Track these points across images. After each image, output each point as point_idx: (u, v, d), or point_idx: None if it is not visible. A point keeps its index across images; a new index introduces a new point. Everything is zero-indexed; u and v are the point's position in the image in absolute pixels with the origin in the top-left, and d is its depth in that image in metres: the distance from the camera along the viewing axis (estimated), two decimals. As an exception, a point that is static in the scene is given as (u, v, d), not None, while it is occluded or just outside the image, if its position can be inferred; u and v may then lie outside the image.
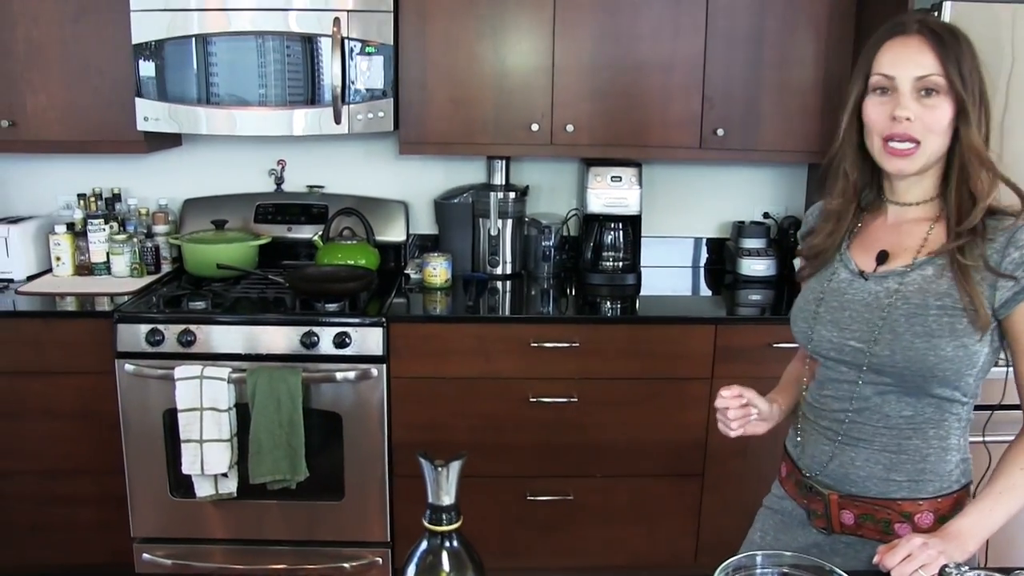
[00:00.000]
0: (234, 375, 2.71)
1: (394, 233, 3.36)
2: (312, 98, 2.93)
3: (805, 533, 1.64)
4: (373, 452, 2.86)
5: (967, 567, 1.17)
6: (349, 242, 3.22)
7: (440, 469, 0.97)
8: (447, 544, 0.99)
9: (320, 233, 3.25)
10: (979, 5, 2.64)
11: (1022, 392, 1.51)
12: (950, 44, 1.42)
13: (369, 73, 2.92)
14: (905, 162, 1.46)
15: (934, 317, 1.45)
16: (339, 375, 2.76)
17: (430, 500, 0.99)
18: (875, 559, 1.36)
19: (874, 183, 1.59)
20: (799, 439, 1.68)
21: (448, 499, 0.98)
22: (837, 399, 1.59)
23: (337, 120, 2.91)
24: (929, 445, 1.52)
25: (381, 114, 2.96)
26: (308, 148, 3.38)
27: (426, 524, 1.00)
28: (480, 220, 3.29)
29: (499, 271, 3.33)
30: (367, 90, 2.93)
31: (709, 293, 3.40)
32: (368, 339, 2.78)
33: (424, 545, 1.00)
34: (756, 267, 3.34)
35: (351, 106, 2.92)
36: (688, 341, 2.88)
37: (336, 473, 2.86)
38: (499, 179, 3.33)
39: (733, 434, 1.62)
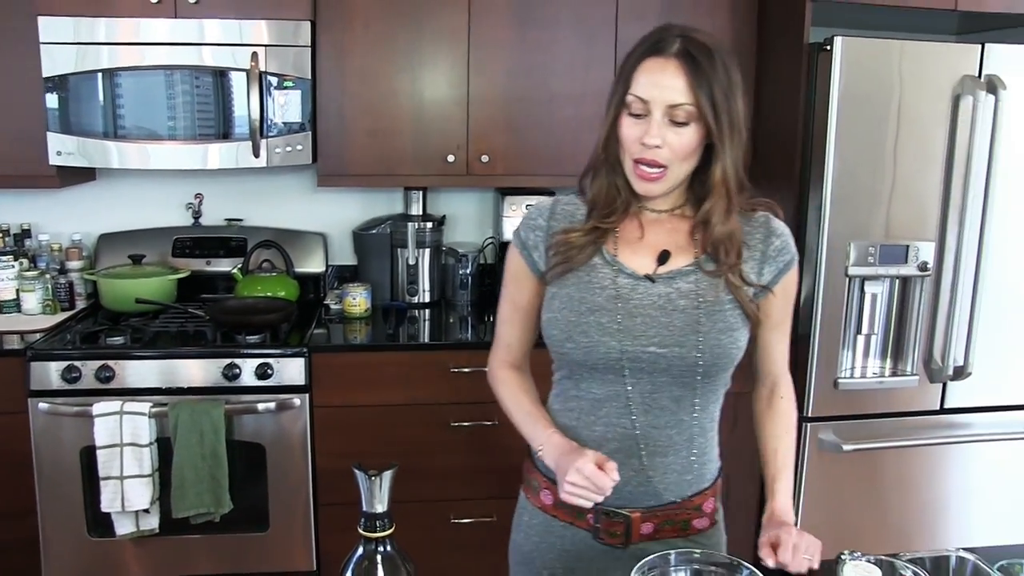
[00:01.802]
0: (155, 409, 2.70)
1: (313, 264, 3.39)
2: (225, 132, 2.95)
3: (590, 550, 1.60)
4: (297, 481, 2.87)
5: (859, 553, 1.26)
6: (269, 274, 3.25)
7: (373, 479, 1.02)
8: (381, 549, 1.05)
9: (239, 266, 3.26)
10: (869, 41, 2.81)
11: (762, 359, 1.67)
12: (706, 69, 1.43)
13: (287, 107, 2.95)
14: (652, 185, 1.49)
15: (729, 311, 1.52)
16: (261, 406, 2.77)
17: (364, 508, 1.05)
18: (768, 562, 1.43)
19: (627, 193, 1.56)
20: None
21: (381, 507, 1.04)
22: (628, 414, 1.54)
23: (256, 154, 2.94)
24: (708, 438, 1.61)
25: (299, 147, 3.00)
26: (226, 182, 3.40)
27: (361, 531, 1.05)
28: (398, 250, 3.35)
29: (418, 300, 3.38)
30: (284, 124, 2.97)
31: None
32: (290, 369, 2.80)
33: (360, 551, 1.05)
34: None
35: (269, 139, 2.96)
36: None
37: (260, 504, 2.86)
38: (417, 209, 3.40)
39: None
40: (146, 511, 2.74)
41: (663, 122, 1.44)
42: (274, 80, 2.92)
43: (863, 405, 3.03)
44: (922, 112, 2.86)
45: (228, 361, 2.77)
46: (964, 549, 1.50)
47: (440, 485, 2.97)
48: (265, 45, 2.89)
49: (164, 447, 2.73)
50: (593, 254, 1.55)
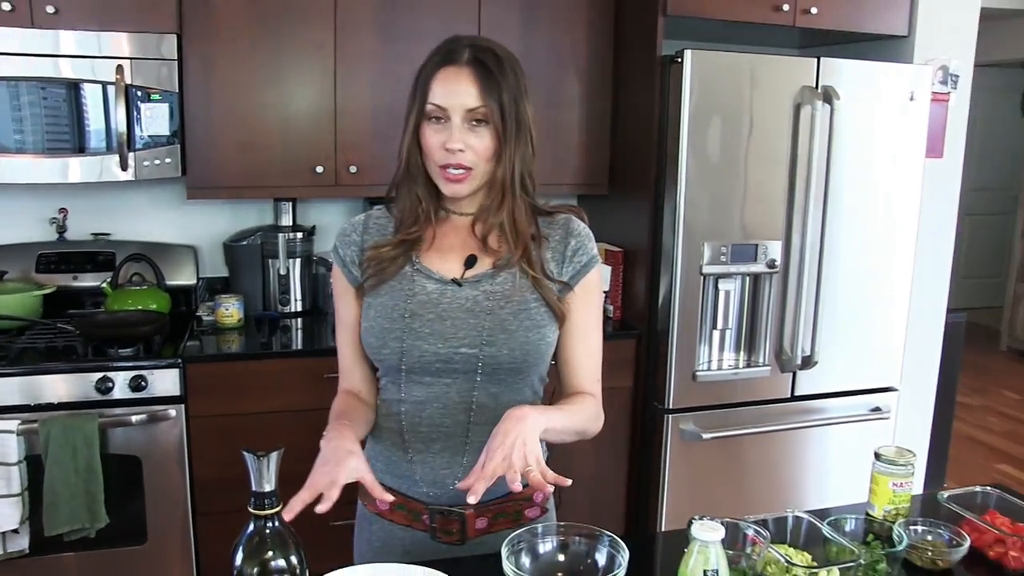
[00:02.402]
0: (23, 427, 2.65)
1: (184, 277, 3.38)
2: (80, 146, 2.91)
3: (430, 550, 1.62)
4: (175, 493, 2.87)
5: (709, 517, 1.38)
6: (139, 287, 3.22)
7: (261, 459, 1.09)
8: (270, 526, 1.12)
9: (108, 280, 3.22)
10: (716, 53, 3.01)
11: (567, 375, 1.67)
12: (496, 76, 1.52)
13: (154, 120, 2.95)
14: (459, 186, 1.56)
15: (535, 309, 1.59)
16: (136, 418, 2.75)
17: (254, 488, 1.11)
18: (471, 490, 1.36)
19: (437, 195, 1.63)
20: (406, 468, 1.64)
21: (269, 486, 1.11)
22: (450, 414, 1.61)
23: (124, 167, 2.92)
24: None
25: (168, 160, 3.00)
26: (91, 196, 3.35)
27: (251, 510, 1.12)
28: (269, 260, 3.38)
29: (290, 309, 3.42)
30: (151, 137, 2.96)
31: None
32: (164, 381, 2.80)
33: (250, 528, 1.12)
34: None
35: (137, 153, 2.95)
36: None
37: (138, 517, 2.84)
38: (287, 220, 3.43)
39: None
40: (15, 531, 2.68)
41: (463, 127, 1.52)
42: (140, 93, 2.92)
43: (720, 396, 3.23)
44: (767, 120, 3.07)
45: (100, 375, 2.74)
46: (800, 511, 1.65)
47: (319, 490, 3.00)
48: (128, 58, 2.88)
49: (34, 465, 2.68)
50: (404, 264, 1.62)
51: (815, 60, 3.10)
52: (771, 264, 3.15)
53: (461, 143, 1.52)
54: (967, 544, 1.59)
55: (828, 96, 3.08)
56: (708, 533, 1.31)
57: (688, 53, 2.95)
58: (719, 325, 3.18)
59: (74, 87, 2.87)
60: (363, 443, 1.63)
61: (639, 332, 3.31)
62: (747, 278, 3.19)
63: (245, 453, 1.11)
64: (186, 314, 3.35)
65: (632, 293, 3.38)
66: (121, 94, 2.87)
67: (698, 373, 3.16)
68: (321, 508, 1.32)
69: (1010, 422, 5.73)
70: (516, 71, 1.57)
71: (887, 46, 3.51)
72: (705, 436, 3.17)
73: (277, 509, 1.12)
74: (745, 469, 3.30)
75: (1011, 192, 7.53)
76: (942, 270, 3.76)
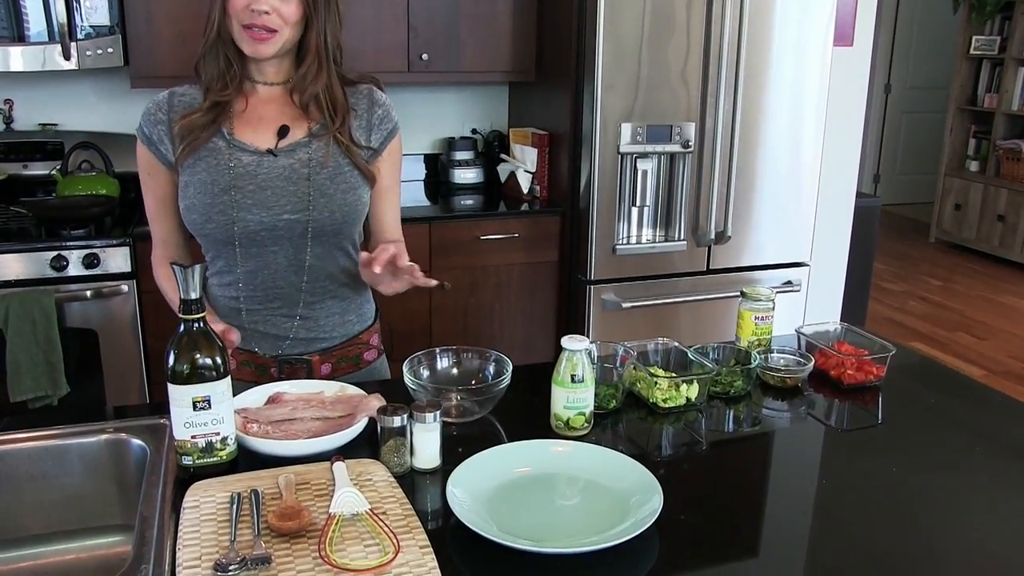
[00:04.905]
0: (-17, 302, 2.83)
1: (132, 164, 3.43)
2: (19, 35, 2.99)
3: None
4: (131, 364, 3.08)
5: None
6: (88, 174, 3.35)
7: (187, 270, 1.31)
8: (196, 327, 1.34)
9: (58, 168, 3.37)
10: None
11: (375, 226, 1.82)
12: None
13: (94, 10, 3.06)
14: (262, 46, 1.61)
15: (349, 173, 1.71)
16: (90, 293, 2.95)
17: (181, 296, 1.33)
18: (375, 269, 1.56)
19: (243, 62, 1.68)
20: (248, 331, 1.74)
21: (195, 294, 1.32)
22: (282, 276, 1.73)
23: (66, 56, 3.05)
24: (357, 284, 1.82)
25: (111, 50, 3.12)
26: (37, 87, 3.47)
27: (180, 315, 1.34)
28: (215, 149, 3.52)
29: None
30: (93, 27, 3.07)
31: (427, 202, 3.81)
32: (116, 258, 2.99)
33: (180, 330, 1.34)
34: (466, 176, 3.80)
35: (79, 43, 3.06)
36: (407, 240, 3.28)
37: (96, 387, 3.05)
38: (231, 109, 3.56)
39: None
40: (-19, 400, 2.90)
41: None
42: (80, -16, 3.02)
43: (639, 268, 3.48)
44: (682, 8, 3.26)
45: (55, 253, 2.92)
46: (672, 341, 1.90)
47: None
48: (69, -49, 2.99)
49: (-3, 339, 2.87)
50: (214, 133, 1.67)
51: (726, -51, 3.27)
52: (686, 144, 3.38)
53: (267, 5, 1.58)
54: (811, 364, 1.86)
55: (738, -15, 3.27)
56: (574, 343, 1.55)
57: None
58: (638, 203, 3.41)
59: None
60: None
61: (563, 210, 3.54)
62: (663, 157, 3.41)
63: (174, 266, 1.32)
64: (135, 200, 3.50)
65: (557, 174, 3.59)
66: (61, -16, 2.98)
67: (618, 247, 3.40)
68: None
69: (929, 305, 6.05)
70: None
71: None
72: (625, 305, 3.43)
73: (202, 314, 1.34)
74: (663, 336, 3.56)
75: (945, 91, 7.77)
76: (851, 153, 4.00)
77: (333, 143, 1.71)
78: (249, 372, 1.78)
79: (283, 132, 1.70)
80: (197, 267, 1.32)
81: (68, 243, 2.96)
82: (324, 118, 1.71)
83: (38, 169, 3.43)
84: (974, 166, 7.40)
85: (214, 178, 1.66)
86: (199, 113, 1.66)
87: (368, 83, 1.81)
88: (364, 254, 1.63)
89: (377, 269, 1.56)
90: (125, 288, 3.00)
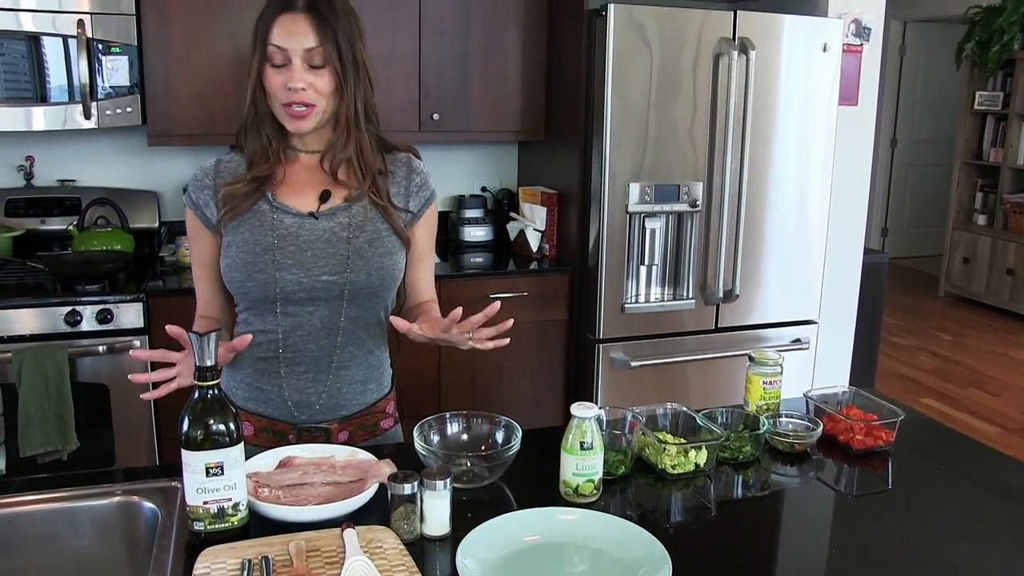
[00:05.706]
0: (-3, 357, 2.86)
1: (147, 220, 3.58)
2: (42, 96, 3.07)
3: None
4: (140, 419, 3.09)
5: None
6: (104, 229, 3.40)
7: (203, 338, 1.33)
8: (210, 394, 1.36)
9: (75, 223, 3.42)
10: (636, 8, 3.22)
11: (411, 290, 1.87)
12: (330, 20, 1.64)
13: (115, 72, 3.14)
14: (303, 122, 1.68)
15: (386, 237, 1.76)
16: (103, 348, 2.98)
17: (196, 363, 1.35)
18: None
19: (284, 135, 1.75)
20: (274, 393, 1.78)
21: (210, 361, 1.34)
22: (315, 339, 1.75)
23: (87, 116, 3.11)
24: (382, 350, 1.87)
25: (129, 109, 3.19)
26: (57, 144, 3.53)
27: (195, 382, 1.36)
28: (229, 205, 3.57)
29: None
30: (113, 88, 3.15)
31: (437, 260, 3.81)
32: (129, 314, 3.02)
33: (195, 396, 1.36)
34: (476, 234, 3.84)
35: (100, 102, 3.13)
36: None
37: (106, 441, 3.07)
38: (244, 167, 3.62)
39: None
40: (-7, 453, 2.92)
41: (303, 67, 1.64)
42: (100, 46, 3.10)
43: (647, 327, 3.50)
44: (687, 69, 3.31)
45: (69, 308, 2.96)
46: (680, 405, 1.91)
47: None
48: (88, 13, 3.05)
49: (10, 394, 2.89)
50: (258, 200, 1.72)
51: (731, 13, 3.33)
52: (693, 203, 3.41)
53: (302, 82, 1.64)
54: (819, 429, 1.86)
55: (745, 47, 3.32)
56: (583, 411, 1.56)
57: (612, 7, 3.18)
58: (646, 261, 3.44)
59: (34, 40, 3.04)
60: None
61: (572, 268, 3.57)
62: (671, 216, 3.44)
63: (190, 334, 1.34)
64: (149, 255, 3.56)
65: (566, 232, 3.63)
66: (83, 47, 3.05)
67: (626, 306, 3.42)
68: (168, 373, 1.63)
69: (940, 360, 6.04)
70: (349, 14, 1.69)
71: (803, 0, 3.76)
72: (633, 364, 3.44)
73: (216, 381, 1.36)
74: (671, 395, 3.54)
75: (951, 144, 7.82)
76: (858, 211, 4.02)
77: (371, 208, 1.75)
78: (267, 439, 1.78)
79: (325, 196, 1.74)
80: (213, 335, 1.34)
81: (82, 298, 2.99)
82: (357, 181, 1.75)
83: (56, 224, 3.48)
84: (982, 219, 7.43)
85: (256, 238, 1.71)
86: (242, 183, 1.72)
87: (405, 151, 1.85)
88: (444, 320, 1.63)
89: (465, 330, 1.61)
90: (137, 343, 3.03)
